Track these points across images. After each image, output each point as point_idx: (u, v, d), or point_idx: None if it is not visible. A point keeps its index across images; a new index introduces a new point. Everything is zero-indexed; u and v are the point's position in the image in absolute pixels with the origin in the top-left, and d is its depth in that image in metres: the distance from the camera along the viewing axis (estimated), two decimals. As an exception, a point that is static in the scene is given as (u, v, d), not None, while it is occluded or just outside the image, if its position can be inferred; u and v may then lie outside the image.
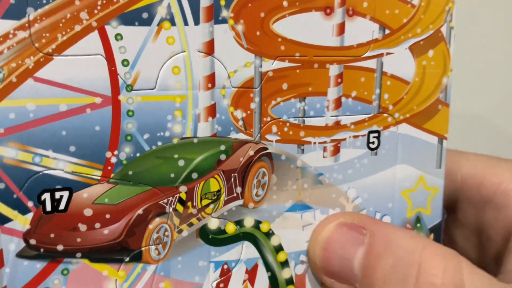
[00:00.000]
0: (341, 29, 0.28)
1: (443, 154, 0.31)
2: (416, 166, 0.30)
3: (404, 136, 0.30)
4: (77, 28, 0.24)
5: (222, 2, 0.26)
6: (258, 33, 0.27)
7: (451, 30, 0.30)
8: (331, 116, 0.29)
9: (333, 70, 0.28)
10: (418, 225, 0.31)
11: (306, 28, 0.27)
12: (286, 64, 0.27)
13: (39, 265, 0.25)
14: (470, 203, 0.33)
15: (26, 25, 0.23)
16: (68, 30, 0.24)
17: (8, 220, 0.24)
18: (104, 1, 0.24)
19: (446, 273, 0.26)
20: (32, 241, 0.24)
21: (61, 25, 0.24)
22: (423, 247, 0.27)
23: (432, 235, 0.31)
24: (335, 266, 0.28)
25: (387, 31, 0.29)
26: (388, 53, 0.29)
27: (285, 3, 0.27)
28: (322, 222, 0.29)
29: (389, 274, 0.27)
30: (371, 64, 0.29)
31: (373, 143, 0.30)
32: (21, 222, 0.24)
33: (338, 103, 0.29)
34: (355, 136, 0.29)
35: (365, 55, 0.29)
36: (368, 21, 0.28)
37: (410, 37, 0.29)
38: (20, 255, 0.24)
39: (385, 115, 0.29)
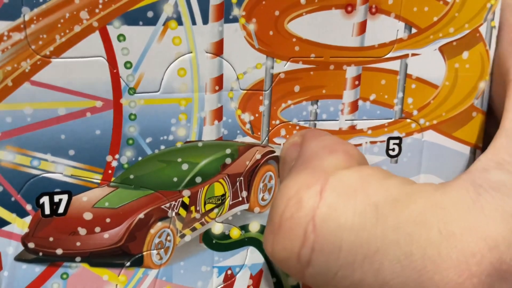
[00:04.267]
0: (362, 28, 0.26)
1: None
2: (443, 176, 0.28)
3: (430, 144, 0.28)
4: (77, 28, 0.23)
5: (234, 0, 0.24)
6: (271, 32, 0.25)
7: (493, 29, 0.27)
8: (346, 120, 0.27)
9: (350, 72, 0.26)
10: None
11: (324, 27, 0.25)
12: (299, 65, 0.26)
13: (38, 269, 0.24)
14: None
15: (22, 26, 0.22)
16: (67, 31, 0.23)
17: (6, 223, 0.24)
18: (106, 0, 0.23)
19: (290, 206, 0.22)
20: (31, 245, 0.24)
21: (59, 25, 0.22)
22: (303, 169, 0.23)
23: None
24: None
25: (414, 30, 0.26)
26: (413, 54, 0.27)
27: (302, 1, 0.25)
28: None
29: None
30: (394, 65, 0.27)
31: (393, 150, 0.28)
32: (19, 225, 0.24)
33: (354, 107, 0.27)
34: (372, 142, 0.27)
35: (387, 56, 0.26)
36: (392, 19, 0.26)
37: (441, 37, 0.27)
38: (19, 258, 0.24)
39: (408, 120, 0.28)
